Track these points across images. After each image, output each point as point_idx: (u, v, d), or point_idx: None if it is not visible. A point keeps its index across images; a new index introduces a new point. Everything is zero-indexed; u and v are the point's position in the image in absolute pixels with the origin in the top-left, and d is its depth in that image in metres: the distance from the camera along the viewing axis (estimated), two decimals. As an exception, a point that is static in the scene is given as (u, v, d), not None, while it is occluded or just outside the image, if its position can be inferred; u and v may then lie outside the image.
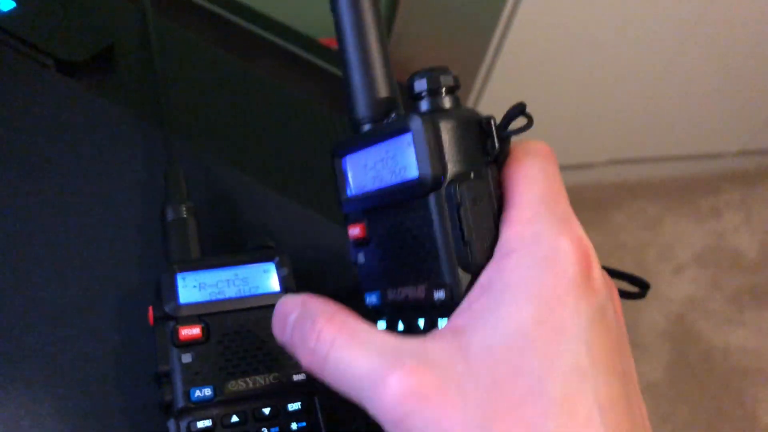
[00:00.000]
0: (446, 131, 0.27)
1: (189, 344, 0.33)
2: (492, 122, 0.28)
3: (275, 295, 0.35)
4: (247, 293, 0.35)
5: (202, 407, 0.32)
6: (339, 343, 0.24)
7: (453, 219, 0.27)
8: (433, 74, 0.28)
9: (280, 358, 0.34)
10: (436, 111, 0.28)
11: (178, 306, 0.34)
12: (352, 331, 0.24)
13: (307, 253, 0.42)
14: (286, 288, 0.36)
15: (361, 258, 0.30)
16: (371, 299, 0.30)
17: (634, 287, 0.47)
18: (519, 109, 0.28)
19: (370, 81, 0.30)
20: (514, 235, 0.25)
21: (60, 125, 0.44)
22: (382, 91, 0.30)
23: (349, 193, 0.30)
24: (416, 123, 0.27)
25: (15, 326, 0.36)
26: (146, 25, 0.50)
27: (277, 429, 0.32)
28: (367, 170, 0.30)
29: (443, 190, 0.27)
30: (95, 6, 0.50)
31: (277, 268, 0.36)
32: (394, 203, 0.28)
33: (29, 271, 0.38)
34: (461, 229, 0.27)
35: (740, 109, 1.59)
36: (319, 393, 0.34)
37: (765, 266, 1.68)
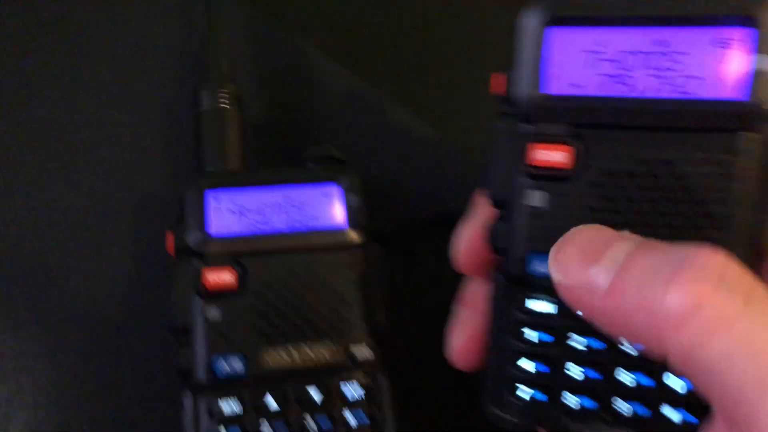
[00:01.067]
0: None
1: (218, 295, 0.24)
2: None
3: (338, 233, 0.26)
4: (301, 227, 0.26)
5: (230, 384, 0.24)
6: None
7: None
8: None
9: (338, 323, 0.25)
10: None
11: (207, 239, 0.25)
12: None
13: (391, 169, 0.32)
14: (355, 222, 0.26)
15: (539, 200, 0.21)
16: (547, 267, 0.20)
17: None
18: None
19: None
20: None
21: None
22: None
23: (549, 89, 0.20)
24: None
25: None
26: None
27: (328, 421, 0.24)
28: (596, 61, 0.20)
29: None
30: None
31: (344, 193, 0.26)
32: (649, 128, 0.20)
33: (29, 167, 0.30)
34: None
35: None
36: (388, 374, 0.25)
37: None
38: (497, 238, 0.22)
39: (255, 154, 0.29)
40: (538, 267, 0.21)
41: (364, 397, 0.24)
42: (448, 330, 0.24)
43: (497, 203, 0.22)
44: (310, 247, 0.25)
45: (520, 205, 0.21)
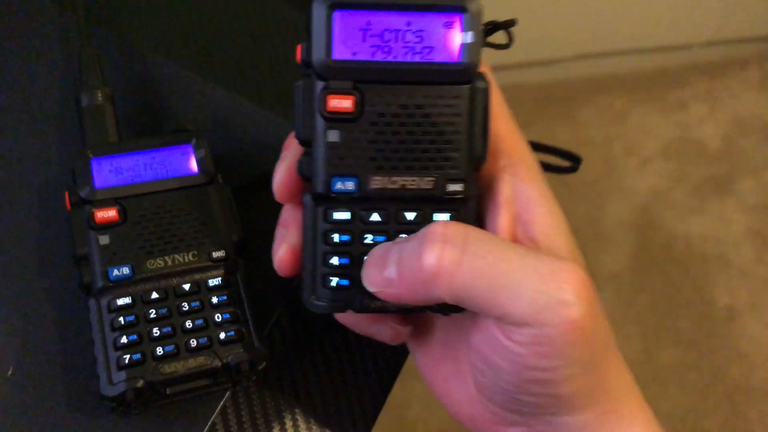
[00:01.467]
0: (484, 23, 0.27)
1: (106, 226, 0.33)
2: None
3: (193, 177, 0.35)
4: (165, 176, 0.35)
5: (121, 285, 0.32)
6: None
7: (481, 115, 0.28)
8: None
9: (199, 237, 0.34)
10: None
11: (94, 190, 0.34)
12: None
13: (231, 138, 0.41)
14: (204, 169, 0.35)
15: (334, 136, 0.28)
16: (344, 185, 0.28)
17: (566, 162, 0.47)
18: (505, 25, 0.29)
19: None
20: (514, 147, 0.30)
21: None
22: None
23: (336, 55, 0.27)
24: (476, 5, 0.27)
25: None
26: None
27: (197, 303, 0.32)
28: (368, 37, 0.27)
29: (478, 84, 0.28)
30: None
31: (194, 150, 0.36)
32: (406, 82, 0.27)
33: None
34: (485, 127, 0.28)
35: (707, -4, 1.57)
36: (239, 268, 0.34)
37: (727, 156, 1.70)
38: (305, 168, 0.28)
39: (128, 132, 0.38)
40: (338, 185, 0.28)
41: (221, 283, 0.33)
42: (273, 247, 0.31)
43: (303, 142, 0.28)
44: (171, 188, 0.34)
45: (321, 141, 0.28)
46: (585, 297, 0.25)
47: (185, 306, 0.32)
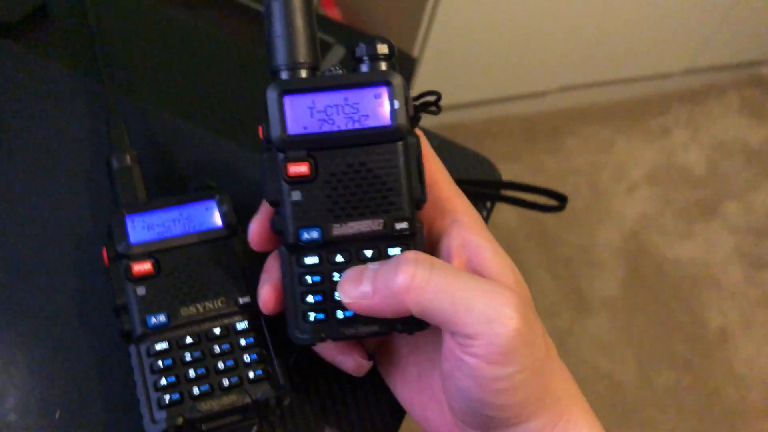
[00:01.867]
0: (408, 92, 0.33)
1: (142, 278, 0.36)
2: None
3: (218, 230, 0.39)
4: (192, 230, 0.38)
5: (158, 332, 0.35)
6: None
7: (416, 165, 0.33)
8: (376, 41, 0.33)
9: (226, 285, 0.37)
10: (394, 72, 0.33)
11: (129, 245, 0.37)
12: None
13: (247, 190, 0.45)
14: (228, 223, 0.39)
15: (297, 196, 0.32)
16: (310, 235, 0.32)
17: (554, 201, 0.51)
18: (436, 98, 0.34)
19: (309, 31, 0.33)
20: (458, 206, 0.35)
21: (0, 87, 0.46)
22: (314, 45, 0.33)
23: (290, 131, 0.32)
24: (398, 79, 0.32)
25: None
26: (78, -17, 0.51)
27: (227, 345, 0.36)
28: (314, 113, 0.32)
29: (409, 140, 0.33)
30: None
31: (218, 206, 0.39)
32: (350, 145, 0.32)
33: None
34: (420, 174, 0.33)
35: (684, 28, 1.63)
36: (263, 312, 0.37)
37: (712, 180, 1.75)
38: (277, 224, 0.33)
39: (154, 190, 0.42)
40: (305, 236, 0.32)
41: (248, 326, 0.37)
42: (258, 290, 0.35)
43: (273, 204, 0.33)
44: (199, 241, 0.38)
45: (287, 201, 0.32)
46: (522, 312, 0.31)
47: (217, 348, 0.36)
